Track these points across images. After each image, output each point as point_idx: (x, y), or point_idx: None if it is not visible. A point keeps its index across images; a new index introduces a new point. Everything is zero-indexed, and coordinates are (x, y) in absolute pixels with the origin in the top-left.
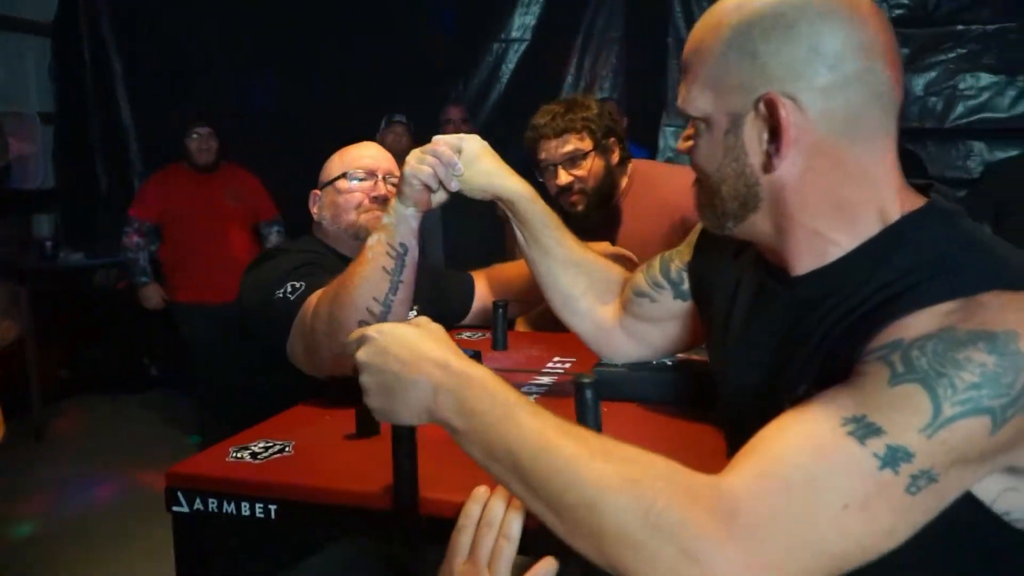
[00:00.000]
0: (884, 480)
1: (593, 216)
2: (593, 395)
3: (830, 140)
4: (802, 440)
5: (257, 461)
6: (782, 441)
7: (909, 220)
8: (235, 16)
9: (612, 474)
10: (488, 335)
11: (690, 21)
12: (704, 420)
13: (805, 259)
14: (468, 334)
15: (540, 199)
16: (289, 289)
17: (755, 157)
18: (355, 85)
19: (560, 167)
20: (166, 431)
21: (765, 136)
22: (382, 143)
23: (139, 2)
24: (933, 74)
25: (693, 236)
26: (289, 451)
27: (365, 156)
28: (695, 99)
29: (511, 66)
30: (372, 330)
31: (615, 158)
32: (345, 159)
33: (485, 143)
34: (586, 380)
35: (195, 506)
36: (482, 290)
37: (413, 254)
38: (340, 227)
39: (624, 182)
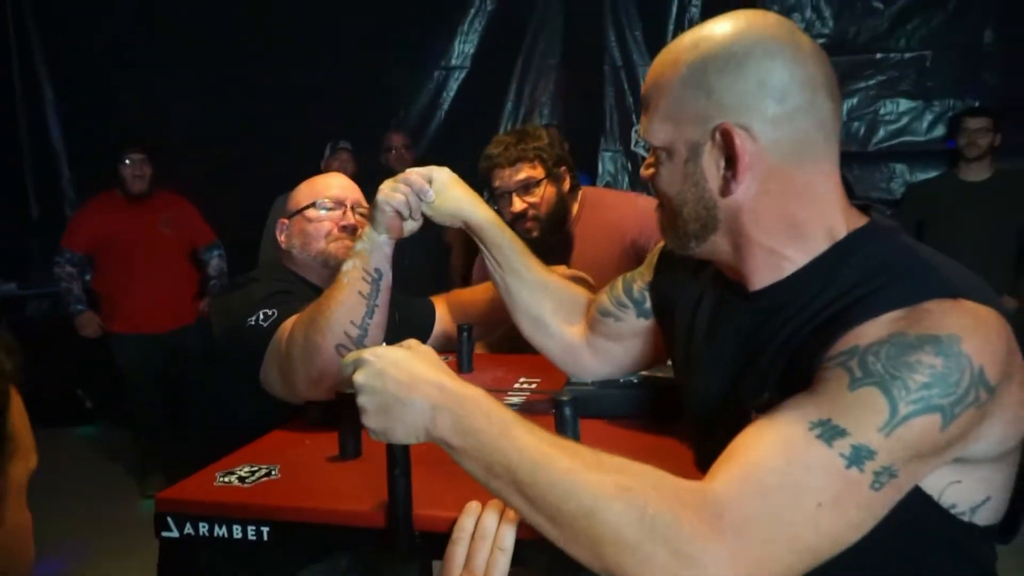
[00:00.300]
0: (851, 478)
1: (547, 241)
2: (572, 412)
3: (781, 165)
4: (775, 445)
5: (246, 485)
6: (757, 447)
7: (854, 237)
8: (170, 42)
9: (607, 483)
10: (452, 358)
11: (624, 48)
12: (669, 432)
13: (762, 274)
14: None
15: (507, 227)
16: (261, 317)
17: (713, 182)
18: (294, 111)
19: (515, 194)
20: (104, 465)
21: (722, 163)
22: (328, 170)
23: (71, 28)
24: (855, 100)
25: (653, 257)
26: (276, 474)
27: (334, 186)
28: (656, 130)
29: (452, 93)
30: (368, 353)
31: (566, 185)
32: (314, 188)
33: (453, 174)
34: (564, 398)
35: (185, 531)
36: (442, 314)
37: (387, 279)
38: (309, 255)
39: (575, 208)
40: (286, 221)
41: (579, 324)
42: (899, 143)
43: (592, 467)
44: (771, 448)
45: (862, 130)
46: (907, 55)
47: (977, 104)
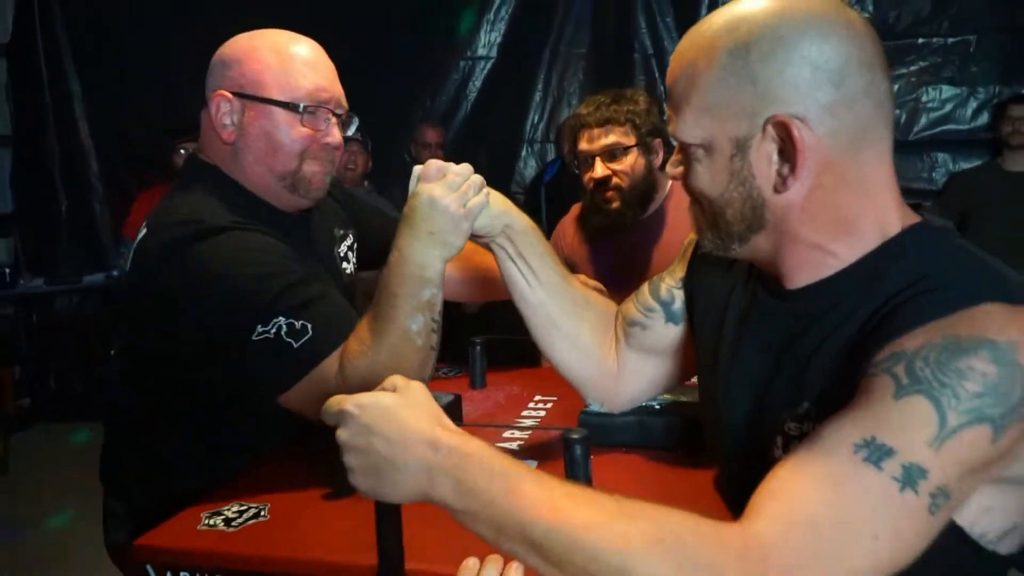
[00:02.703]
0: (908, 503)
1: (628, 216)
2: (583, 450)
3: (837, 156)
4: (820, 475)
5: (232, 528)
6: (801, 479)
7: (908, 234)
8: (195, 37)
9: (635, 535)
10: (465, 372)
11: (655, 36)
12: (694, 464)
13: (803, 272)
14: (444, 370)
15: (543, 235)
16: (284, 330)
17: (763, 180)
18: None
19: (599, 159)
20: None
21: (775, 158)
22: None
23: (97, 23)
24: (896, 87)
25: (687, 250)
26: (265, 515)
27: (320, 77)
28: (691, 126)
29: (478, 83)
30: (351, 404)
31: (658, 160)
32: (291, 76)
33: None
34: (575, 436)
35: None
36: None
37: None
38: (271, 171)
39: (668, 186)
40: (231, 98)
41: (611, 342)
42: (941, 131)
43: (615, 517)
44: (815, 479)
45: (903, 118)
46: (950, 40)
47: (1023, 91)
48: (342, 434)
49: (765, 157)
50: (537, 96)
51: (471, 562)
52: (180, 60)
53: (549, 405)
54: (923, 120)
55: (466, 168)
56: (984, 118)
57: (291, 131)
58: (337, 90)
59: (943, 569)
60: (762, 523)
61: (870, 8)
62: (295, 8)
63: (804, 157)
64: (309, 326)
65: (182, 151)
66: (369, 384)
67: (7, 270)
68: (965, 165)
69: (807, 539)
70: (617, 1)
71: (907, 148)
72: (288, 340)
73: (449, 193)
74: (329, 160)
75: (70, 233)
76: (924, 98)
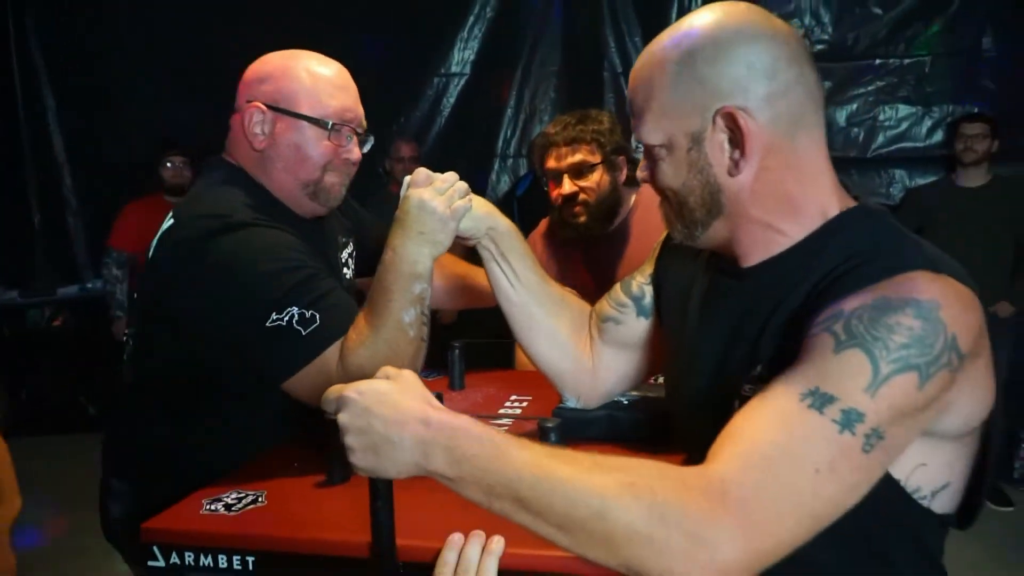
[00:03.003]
0: (844, 443)
1: (594, 230)
2: (558, 438)
3: (778, 140)
4: (771, 421)
5: (232, 513)
6: (753, 425)
7: (846, 215)
8: (171, 52)
9: (610, 483)
10: (444, 375)
11: (624, 55)
12: (658, 454)
13: (756, 251)
14: (425, 373)
15: (522, 236)
16: (295, 318)
17: (718, 167)
18: None
19: (566, 176)
20: None
21: (727, 146)
22: None
23: (72, 37)
24: (854, 106)
25: (655, 251)
26: (262, 501)
27: (347, 98)
28: (652, 130)
29: (452, 99)
30: (351, 390)
31: (622, 176)
32: (322, 96)
33: None
34: (550, 424)
35: (171, 560)
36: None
37: None
38: (295, 178)
39: (632, 200)
40: (265, 110)
41: (586, 339)
42: (898, 148)
43: (592, 469)
44: (767, 424)
45: (862, 136)
46: (906, 61)
47: (976, 110)
48: (343, 417)
49: (718, 146)
50: (509, 112)
51: (456, 537)
52: (155, 76)
53: (524, 403)
54: (880, 138)
55: (451, 175)
56: (939, 136)
57: (318, 145)
58: (360, 111)
59: (882, 522)
60: (721, 463)
61: (829, 31)
62: (270, 28)
63: (751, 141)
64: (318, 315)
65: (168, 164)
66: (367, 371)
67: None
68: (921, 181)
69: (760, 475)
70: (587, 21)
71: (865, 164)
72: (298, 328)
73: (436, 196)
74: (347, 173)
75: (44, 246)
76: (881, 116)
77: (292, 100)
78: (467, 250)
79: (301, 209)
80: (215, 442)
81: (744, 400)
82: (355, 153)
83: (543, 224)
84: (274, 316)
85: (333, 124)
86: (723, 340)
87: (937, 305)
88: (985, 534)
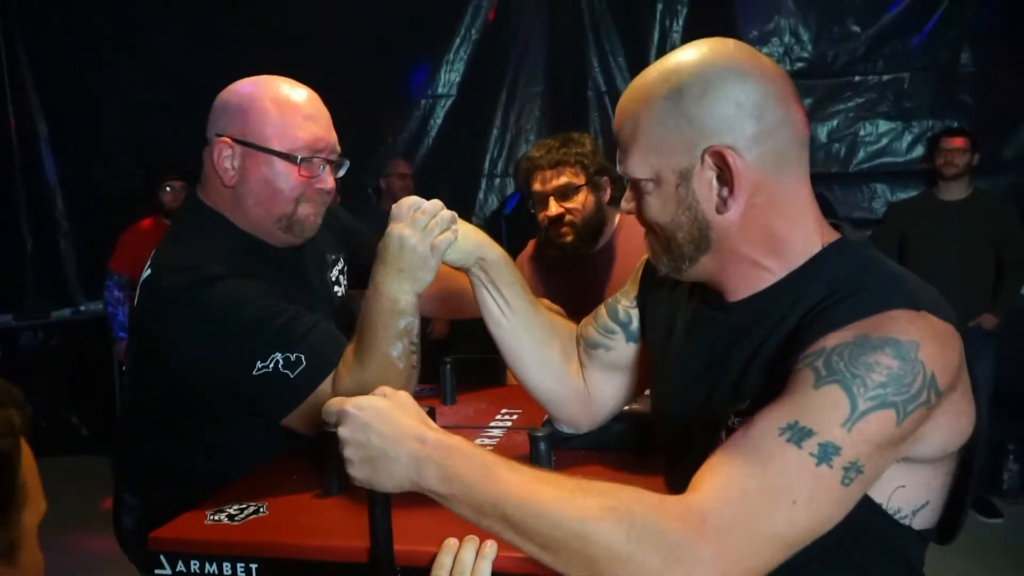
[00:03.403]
0: (822, 475)
1: (581, 250)
2: (547, 447)
3: (765, 178)
4: (751, 454)
5: (235, 523)
6: (735, 458)
7: (830, 249)
8: (164, 77)
9: (592, 506)
10: (435, 387)
11: (608, 75)
12: (645, 467)
13: (742, 286)
14: (418, 388)
15: (515, 265)
16: (280, 363)
17: (706, 203)
18: None
19: (552, 198)
20: (103, 495)
21: (715, 184)
22: None
23: (64, 63)
24: (835, 122)
25: (638, 272)
26: (264, 511)
27: (316, 128)
28: (639, 164)
29: (439, 120)
30: (351, 406)
31: (606, 196)
32: (290, 128)
33: None
34: (540, 433)
35: (177, 568)
36: None
37: None
38: (268, 213)
39: (617, 219)
40: (233, 146)
41: (576, 364)
42: (879, 163)
43: (575, 492)
44: (746, 458)
45: (843, 151)
46: (885, 77)
47: (955, 124)
48: (343, 430)
49: (706, 183)
50: (496, 132)
51: (451, 541)
52: (147, 101)
53: (515, 417)
54: (862, 153)
55: (435, 205)
56: (919, 150)
57: (289, 178)
58: (332, 138)
59: (865, 542)
60: (701, 493)
61: (809, 48)
62: (264, 51)
63: (739, 180)
64: (303, 357)
65: (167, 188)
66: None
67: None
68: (903, 195)
69: (738, 505)
70: (571, 42)
71: (847, 179)
72: (285, 371)
73: (417, 233)
74: (322, 203)
75: (36, 270)
76: (862, 132)
77: (260, 134)
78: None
79: (276, 241)
80: (214, 458)
81: (731, 431)
82: (328, 182)
83: (529, 246)
84: (259, 365)
85: (303, 157)
86: (708, 371)
87: (916, 345)
88: (973, 546)
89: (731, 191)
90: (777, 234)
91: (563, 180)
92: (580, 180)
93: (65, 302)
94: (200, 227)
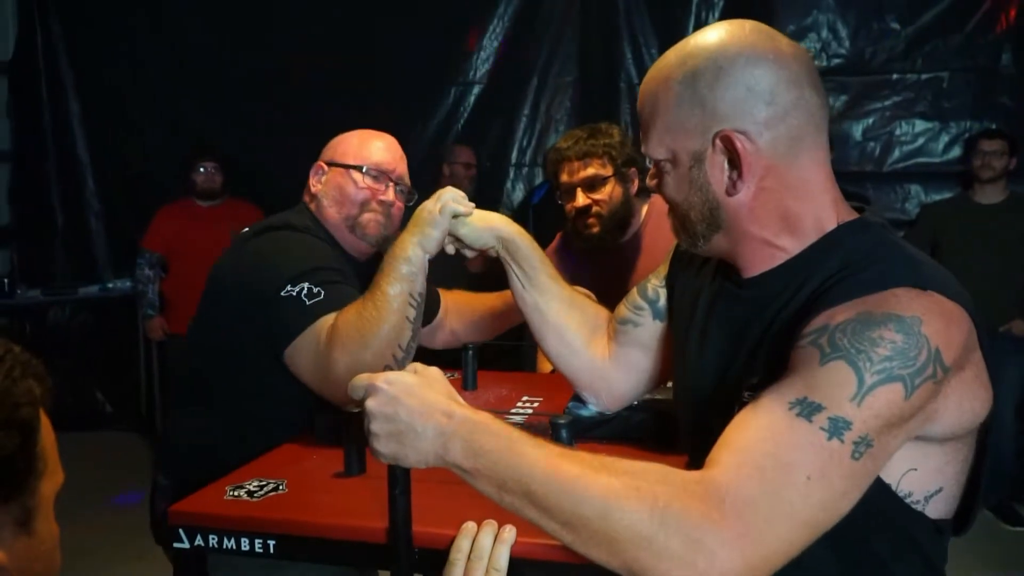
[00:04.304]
0: (833, 449)
1: (609, 241)
2: (569, 434)
3: (777, 161)
4: (762, 430)
5: (254, 499)
6: (746, 433)
7: (843, 229)
8: (194, 58)
9: (616, 485)
10: (458, 375)
11: (640, 66)
12: (667, 454)
13: (755, 264)
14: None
15: (536, 243)
16: (304, 291)
17: (717, 185)
18: (309, 126)
19: (579, 189)
20: (125, 470)
21: (726, 166)
22: None
23: (97, 43)
24: (870, 120)
25: (670, 254)
26: (283, 489)
27: (386, 156)
28: (657, 145)
29: (468, 109)
30: (380, 380)
31: (634, 187)
32: (363, 151)
33: None
34: (562, 421)
35: (196, 542)
36: (446, 305)
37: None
38: (339, 214)
39: (644, 211)
40: (324, 166)
41: (602, 339)
42: (914, 164)
43: (599, 470)
44: (759, 433)
45: (877, 150)
46: (923, 76)
47: (993, 127)
48: (371, 403)
49: (717, 166)
50: (524, 122)
51: (470, 525)
52: (178, 81)
53: (536, 404)
54: (897, 153)
55: (448, 189)
56: (955, 151)
57: (356, 186)
58: (400, 169)
59: (875, 524)
60: (719, 471)
61: (847, 45)
62: (293, 34)
63: (748, 164)
64: (323, 292)
65: (200, 169)
66: (352, 329)
67: (5, 280)
68: (937, 197)
69: (755, 482)
70: (604, 32)
71: (881, 179)
72: (303, 299)
73: (431, 201)
74: (385, 213)
75: (66, 247)
76: (898, 131)
77: (341, 156)
78: (487, 266)
79: (347, 244)
80: (246, 441)
81: (743, 406)
82: (389, 195)
83: (557, 238)
84: (288, 288)
85: (368, 169)
86: (726, 346)
87: (919, 321)
88: (997, 553)
89: (740, 174)
90: (789, 214)
91: (590, 171)
92: (607, 172)
93: (93, 279)
94: (296, 210)
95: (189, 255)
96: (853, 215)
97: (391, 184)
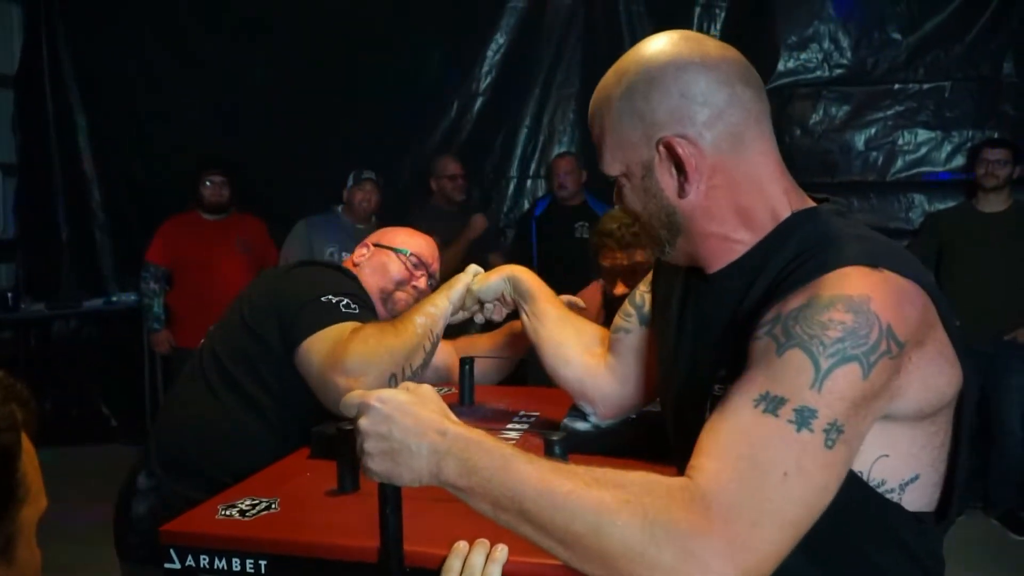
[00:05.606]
0: (804, 440)
1: None
2: (562, 451)
3: (723, 158)
4: (733, 433)
5: (246, 518)
6: (719, 439)
7: (798, 215)
8: (199, 70)
9: (607, 498)
10: (454, 390)
11: None
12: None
13: (718, 259)
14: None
15: (535, 275)
16: (344, 303)
17: (669, 190)
18: (314, 139)
19: (620, 279)
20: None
21: (673, 171)
22: (351, 200)
23: (103, 57)
24: (873, 130)
25: (656, 260)
26: (275, 508)
27: (428, 251)
28: (611, 162)
29: (472, 120)
30: (373, 398)
31: None
32: (411, 241)
33: None
34: (555, 437)
35: (187, 562)
36: (448, 348)
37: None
38: (376, 285)
39: None
40: (370, 245)
41: (598, 352)
42: (917, 173)
43: (591, 485)
44: (730, 436)
45: (880, 160)
46: (925, 86)
47: (996, 135)
48: (364, 422)
49: (666, 172)
50: (527, 133)
51: (462, 545)
52: (183, 95)
53: (532, 419)
54: (899, 162)
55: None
56: (958, 160)
57: (395, 266)
58: (436, 266)
59: (849, 517)
60: (701, 477)
61: (848, 55)
62: (297, 47)
63: (692, 166)
64: (358, 309)
65: (208, 183)
66: (377, 330)
67: (9, 294)
68: (940, 206)
69: (735, 485)
70: (607, 45)
71: (884, 189)
72: (339, 306)
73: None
74: (415, 297)
75: (71, 259)
76: (900, 141)
77: (390, 241)
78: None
79: (379, 314)
80: (239, 453)
81: (714, 400)
82: (422, 283)
83: (596, 291)
84: (329, 296)
85: (411, 254)
86: (696, 342)
87: (867, 298)
88: (1003, 563)
89: (687, 177)
90: (743, 208)
91: (635, 260)
92: (651, 261)
93: (98, 292)
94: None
95: (194, 268)
96: (808, 203)
97: (426, 276)
